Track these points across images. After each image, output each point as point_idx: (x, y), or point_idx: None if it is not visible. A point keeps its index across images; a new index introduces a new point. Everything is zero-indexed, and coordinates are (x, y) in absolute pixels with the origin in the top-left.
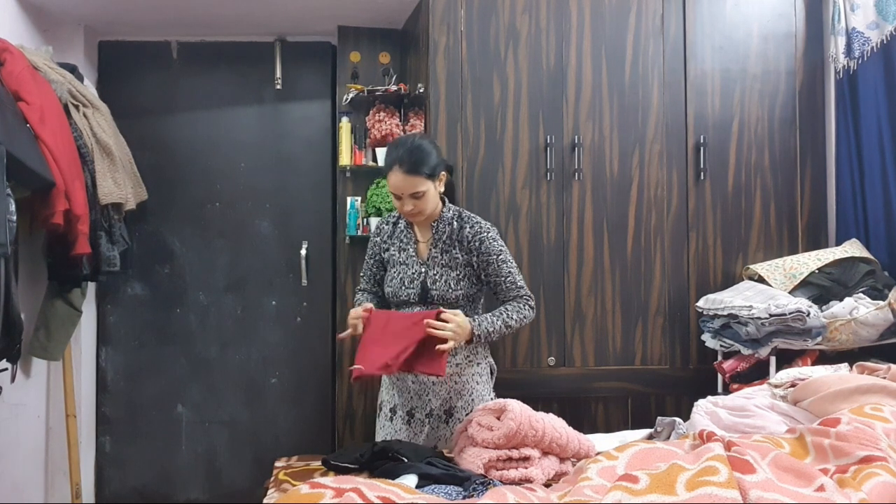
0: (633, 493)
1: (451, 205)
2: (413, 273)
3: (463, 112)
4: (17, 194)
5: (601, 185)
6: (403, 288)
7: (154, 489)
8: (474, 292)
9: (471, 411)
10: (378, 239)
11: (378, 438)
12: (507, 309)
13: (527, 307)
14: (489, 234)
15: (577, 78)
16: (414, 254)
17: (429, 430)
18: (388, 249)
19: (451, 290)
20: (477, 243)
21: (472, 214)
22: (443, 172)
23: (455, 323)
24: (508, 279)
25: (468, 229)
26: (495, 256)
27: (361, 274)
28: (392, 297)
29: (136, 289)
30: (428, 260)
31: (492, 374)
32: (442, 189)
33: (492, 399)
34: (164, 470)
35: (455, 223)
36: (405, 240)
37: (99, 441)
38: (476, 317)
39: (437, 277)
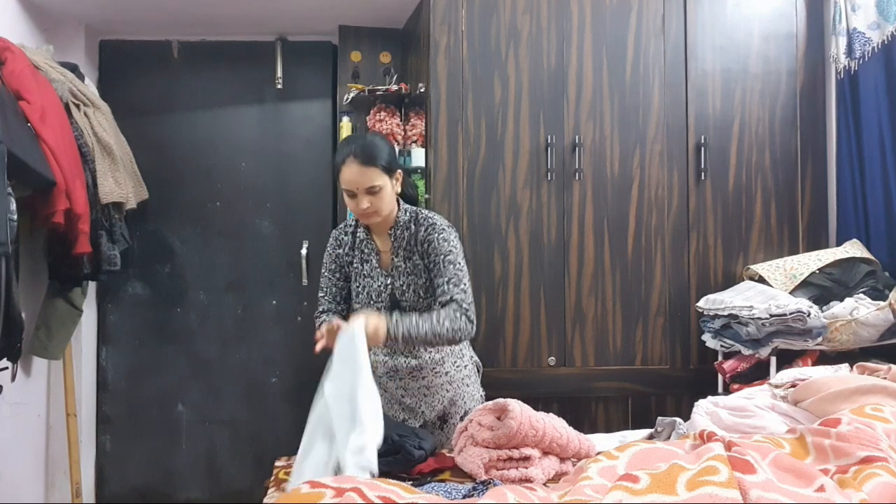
0: (633, 492)
1: (406, 205)
2: (379, 286)
3: (464, 112)
4: (17, 193)
5: (602, 185)
6: (372, 302)
7: (154, 488)
8: None
9: (464, 413)
10: (340, 251)
11: None
12: (439, 314)
13: (463, 318)
14: (440, 235)
15: (578, 78)
16: (377, 265)
17: None
18: (351, 262)
19: (420, 300)
20: (426, 245)
21: (429, 214)
22: (399, 171)
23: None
24: (451, 281)
25: (422, 232)
26: (442, 256)
27: (321, 294)
28: (335, 301)
29: (136, 288)
30: (392, 270)
31: (478, 370)
32: (398, 189)
33: (481, 396)
34: (165, 469)
35: (412, 226)
36: (367, 251)
37: (99, 440)
38: (396, 316)
39: (404, 288)
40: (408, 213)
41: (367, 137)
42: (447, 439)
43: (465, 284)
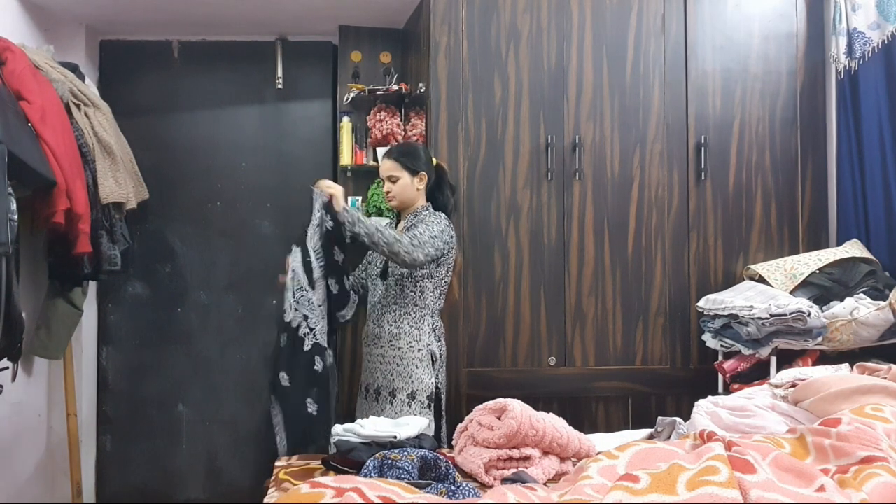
0: (633, 492)
1: (432, 208)
2: (379, 257)
3: (464, 112)
4: (18, 193)
5: (602, 185)
6: (370, 266)
7: (154, 488)
8: (431, 271)
9: (412, 394)
10: None
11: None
12: (389, 231)
13: (407, 243)
14: (430, 216)
15: (578, 78)
16: None
17: (377, 407)
18: None
19: (405, 273)
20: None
21: (444, 215)
22: (423, 173)
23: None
24: (412, 233)
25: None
26: (421, 224)
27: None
28: (360, 273)
29: (136, 288)
30: None
31: (433, 361)
32: (420, 187)
33: (433, 384)
34: (165, 469)
35: (422, 216)
36: None
37: (100, 440)
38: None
39: None
40: (428, 209)
41: (409, 143)
42: (395, 414)
43: (423, 239)
